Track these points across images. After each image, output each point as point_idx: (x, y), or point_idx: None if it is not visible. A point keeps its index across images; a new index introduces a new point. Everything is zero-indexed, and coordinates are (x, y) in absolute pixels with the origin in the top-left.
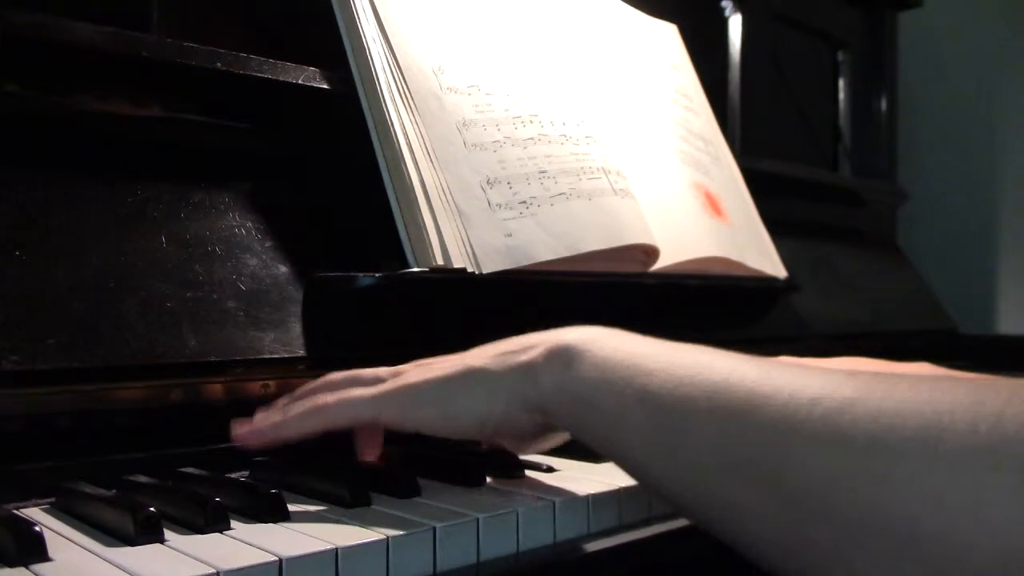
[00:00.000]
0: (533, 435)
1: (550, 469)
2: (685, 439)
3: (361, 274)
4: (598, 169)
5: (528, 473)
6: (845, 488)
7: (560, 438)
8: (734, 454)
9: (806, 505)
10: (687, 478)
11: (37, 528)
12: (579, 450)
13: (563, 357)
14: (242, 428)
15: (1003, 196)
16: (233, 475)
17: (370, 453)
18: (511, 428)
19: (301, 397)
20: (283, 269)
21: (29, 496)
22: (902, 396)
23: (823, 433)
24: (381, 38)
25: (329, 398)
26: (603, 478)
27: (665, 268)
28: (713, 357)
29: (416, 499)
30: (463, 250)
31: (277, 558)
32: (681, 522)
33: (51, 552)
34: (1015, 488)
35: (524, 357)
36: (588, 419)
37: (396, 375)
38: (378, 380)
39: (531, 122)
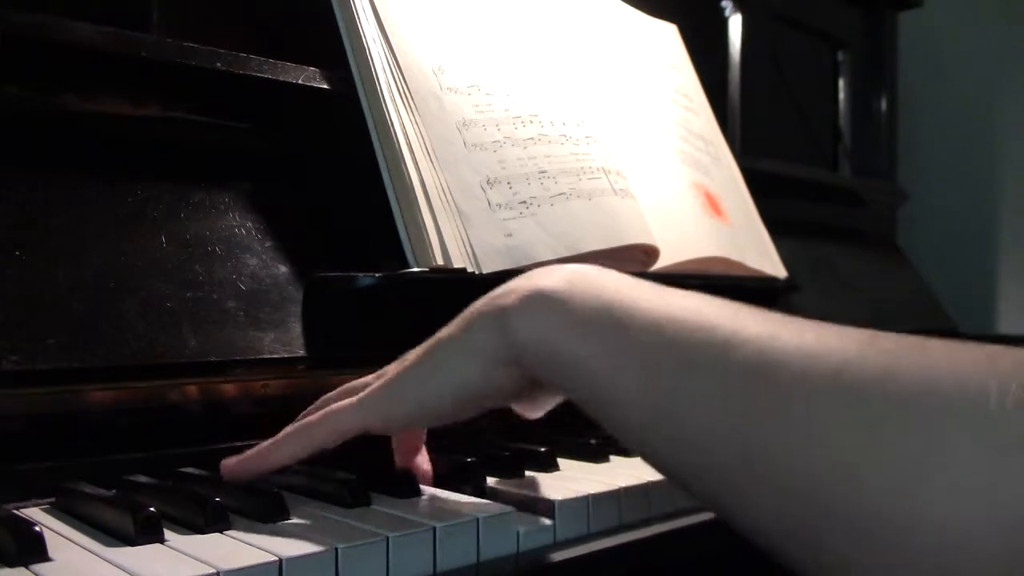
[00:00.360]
0: (523, 393)
1: (551, 468)
2: (686, 405)
3: (361, 274)
4: (598, 169)
5: (528, 473)
6: (861, 473)
7: (547, 403)
8: (741, 426)
9: (818, 492)
10: (685, 443)
11: (37, 528)
12: (579, 450)
13: (538, 302)
14: (231, 461)
15: (1003, 196)
16: None
17: (412, 460)
18: (496, 391)
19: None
20: (283, 269)
21: (29, 496)
22: (931, 360)
23: (844, 403)
24: (381, 38)
25: (316, 416)
26: (603, 478)
27: (665, 268)
28: (713, 308)
29: (416, 499)
30: (463, 250)
31: (277, 558)
32: (682, 522)
33: (51, 552)
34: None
35: (498, 303)
36: (569, 376)
37: (380, 377)
38: (365, 384)
39: (531, 122)
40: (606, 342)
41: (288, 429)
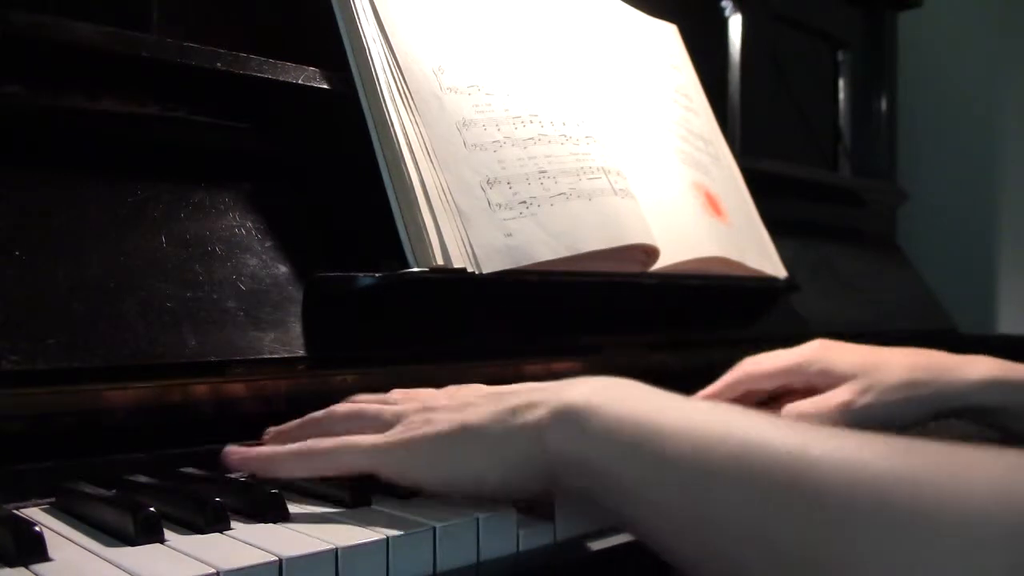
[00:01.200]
0: (541, 495)
1: None
2: (708, 510)
3: (361, 274)
4: (598, 169)
5: None
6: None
7: None
8: (768, 529)
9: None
10: (712, 553)
11: (37, 528)
12: None
13: (570, 419)
14: (234, 452)
15: (1003, 196)
16: (233, 475)
17: None
18: (513, 492)
19: (305, 426)
20: (283, 269)
21: (29, 496)
22: (951, 473)
23: (871, 509)
24: (381, 38)
25: (327, 443)
26: None
27: (665, 268)
28: (736, 416)
29: (416, 499)
30: (463, 250)
31: (277, 558)
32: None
33: (51, 552)
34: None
35: (528, 418)
36: (602, 489)
37: (399, 417)
38: (379, 419)
39: (531, 122)
40: (635, 454)
41: (296, 447)
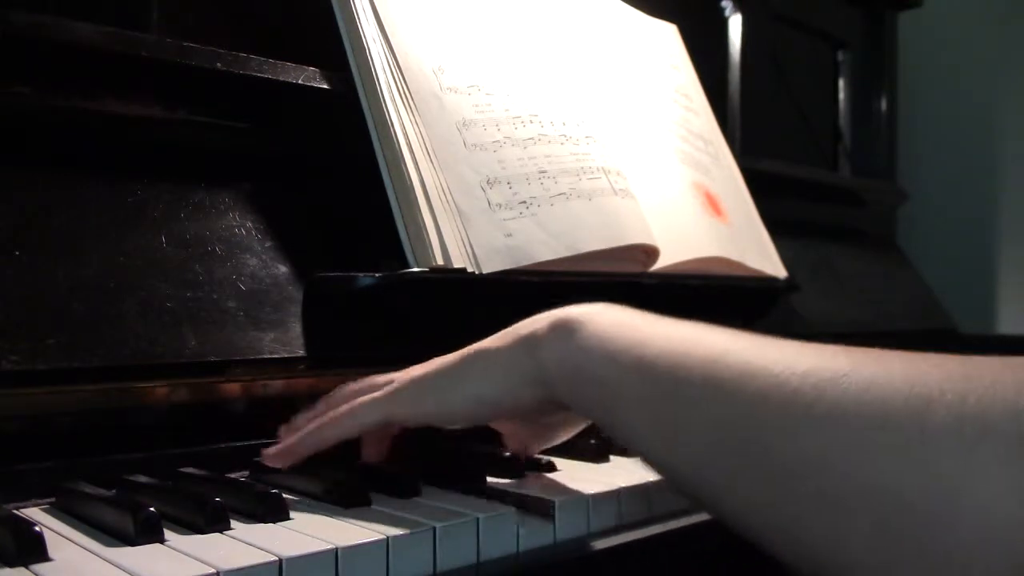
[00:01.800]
0: (539, 415)
1: (551, 468)
2: (680, 410)
3: (361, 274)
4: (598, 169)
5: (529, 473)
6: (837, 460)
7: (567, 430)
8: (728, 427)
9: (798, 481)
10: (683, 451)
11: (37, 528)
12: (581, 450)
13: (565, 328)
14: (270, 451)
15: (1003, 196)
16: (233, 475)
17: (375, 454)
18: (514, 405)
19: (320, 403)
20: (283, 269)
21: (29, 496)
22: (894, 368)
23: (815, 404)
24: (381, 38)
25: (342, 408)
26: (604, 478)
27: (665, 268)
28: (711, 332)
29: (416, 499)
30: (463, 250)
31: (277, 558)
32: (681, 523)
33: (51, 552)
34: (1002, 460)
35: (526, 331)
36: (588, 391)
37: (407, 372)
38: (389, 380)
39: (531, 122)
40: (620, 359)
41: (315, 422)
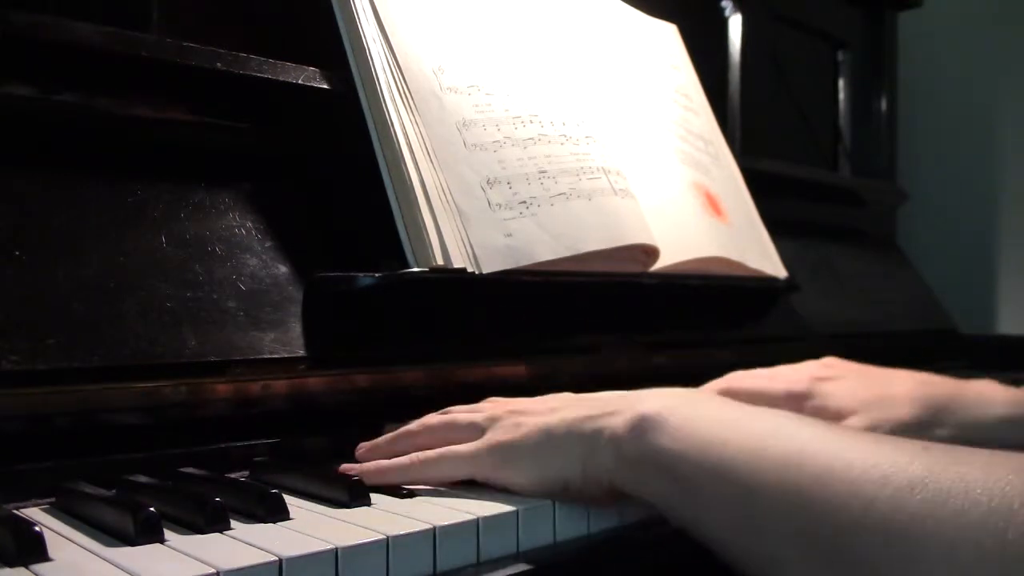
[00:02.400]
0: (607, 502)
1: None
2: (757, 514)
3: (361, 274)
4: (598, 169)
5: None
6: (909, 572)
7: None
8: (803, 530)
9: None
10: (759, 551)
11: (37, 528)
12: None
13: (643, 426)
14: (350, 471)
15: (1003, 196)
16: (233, 475)
17: None
18: (590, 495)
19: (399, 439)
20: (283, 269)
21: (29, 496)
22: (973, 476)
23: (892, 516)
24: (381, 38)
25: (431, 455)
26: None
27: (665, 268)
28: (789, 425)
29: (416, 499)
30: (463, 250)
31: (277, 558)
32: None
33: (51, 552)
34: None
35: (605, 424)
36: (666, 489)
37: (491, 421)
38: (473, 427)
39: (531, 122)
40: (697, 460)
41: (402, 460)
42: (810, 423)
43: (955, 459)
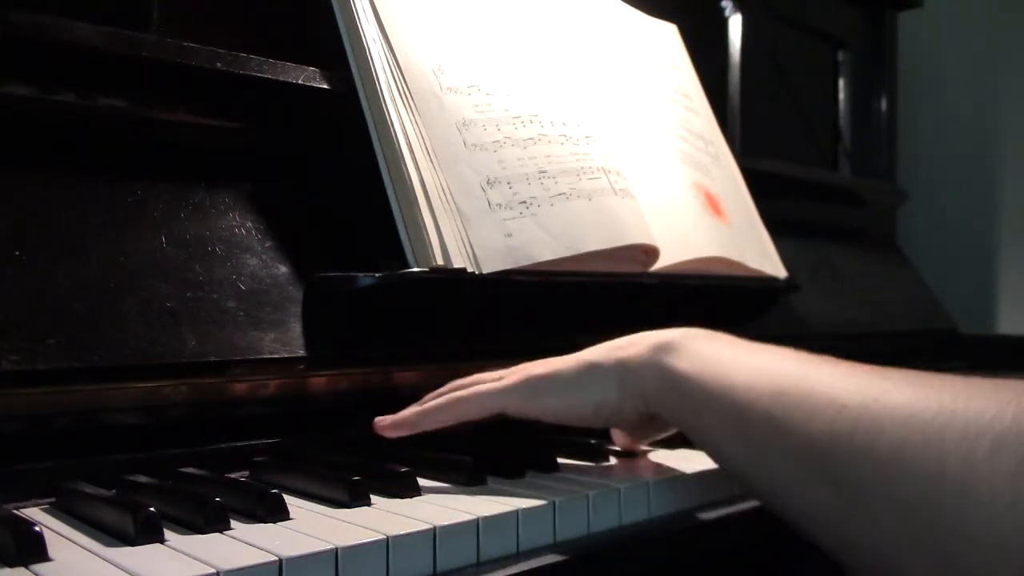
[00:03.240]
0: (639, 424)
1: (553, 469)
2: (753, 433)
3: (361, 274)
4: (598, 169)
5: (529, 474)
6: (871, 472)
7: (662, 434)
8: (793, 440)
9: (850, 489)
10: (756, 461)
11: (37, 528)
12: (579, 449)
13: (663, 350)
14: (385, 420)
15: (1003, 196)
16: (233, 475)
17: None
18: (621, 416)
19: (426, 401)
20: (283, 269)
21: (29, 496)
22: (927, 383)
23: (857, 417)
24: (381, 38)
25: (463, 392)
26: (606, 480)
27: (665, 268)
28: (789, 355)
29: (417, 498)
30: (463, 250)
31: (277, 558)
32: (675, 526)
33: (51, 552)
34: (1011, 473)
35: (632, 351)
36: (680, 406)
37: (516, 372)
38: (499, 379)
39: (531, 122)
40: (709, 387)
41: (437, 401)
42: (809, 355)
43: (919, 377)
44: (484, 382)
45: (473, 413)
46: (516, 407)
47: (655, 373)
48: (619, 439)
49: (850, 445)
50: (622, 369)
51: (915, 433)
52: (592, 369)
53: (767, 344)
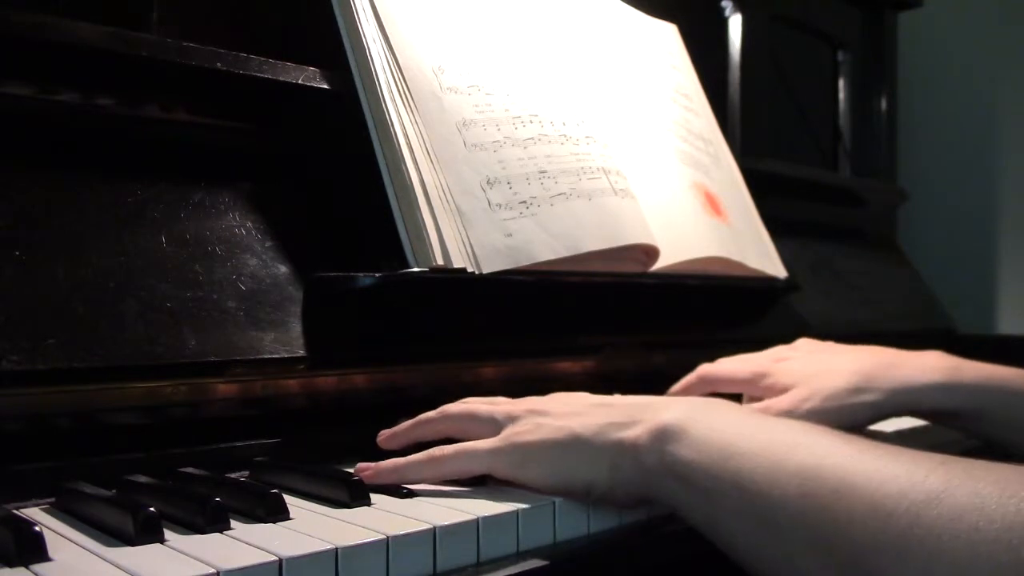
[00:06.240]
0: (634, 506)
1: None
2: (775, 523)
3: (361, 274)
4: (598, 169)
5: None
6: None
7: None
8: (820, 542)
9: None
10: (777, 562)
11: (37, 528)
12: None
13: (664, 436)
14: (366, 470)
15: (1003, 196)
16: (233, 475)
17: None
18: (612, 500)
19: (417, 426)
20: (283, 269)
21: (29, 496)
22: (988, 491)
23: (910, 530)
24: (381, 38)
25: (448, 450)
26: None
27: (665, 268)
28: (807, 437)
29: (416, 499)
30: (463, 250)
31: (277, 558)
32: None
33: (51, 552)
34: None
35: (628, 433)
36: (686, 498)
37: (510, 418)
38: (492, 421)
39: (531, 122)
40: (716, 472)
41: (418, 456)
42: (828, 434)
43: (970, 474)
44: (477, 419)
45: (453, 475)
46: (501, 474)
47: (656, 461)
48: None
49: (898, 554)
50: (616, 452)
51: (980, 548)
52: (582, 447)
53: (778, 419)
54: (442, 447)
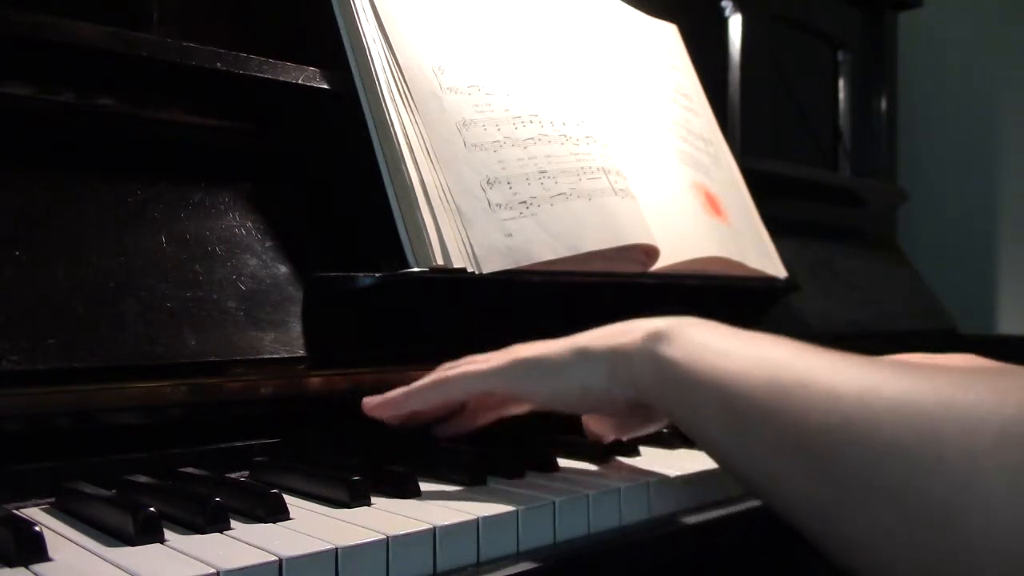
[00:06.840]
0: (627, 413)
1: (554, 469)
2: (744, 415)
3: (361, 274)
4: (598, 169)
5: (530, 475)
6: (870, 465)
7: (650, 427)
8: (787, 432)
9: (845, 482)
10: (749, 453)
11: (37, 528)
12: (587, 451)
13: (655, 338)
14: (373, 400)
15: (1003, 196)
16: (233, 475)
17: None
18: (609, 402)
19: (416, 393)
20: (283, 269)
21: (29, 496)
22: (922, 384)
23: (856, 416)
24: (381, 38)
25: (449, 373)
26: (606, 480)
27: (665, 268)
28: (789, 345)
29: (417, 498)
30: (463, 250)
31: (277, 558)
32: (674, 526)
33: (51, 552)
34: (1015, 469)
35: (624, 339)
36: (672, 394)
37: (504, 354)
38: (488, 360)
39: (531, 122)
40: (703, 378)
41: (423, 381)
42: (801, 345)
43: (906, 369)
44: (473, 363)
45: (458, 394)
46: (502, 389)
47: (647, 361)
48: (591, 427)
49: (846, 437)
50: (613, 356)
51: (912, 425)
52: (582, 354)
53: (764, 333)
54: (444, 371)
